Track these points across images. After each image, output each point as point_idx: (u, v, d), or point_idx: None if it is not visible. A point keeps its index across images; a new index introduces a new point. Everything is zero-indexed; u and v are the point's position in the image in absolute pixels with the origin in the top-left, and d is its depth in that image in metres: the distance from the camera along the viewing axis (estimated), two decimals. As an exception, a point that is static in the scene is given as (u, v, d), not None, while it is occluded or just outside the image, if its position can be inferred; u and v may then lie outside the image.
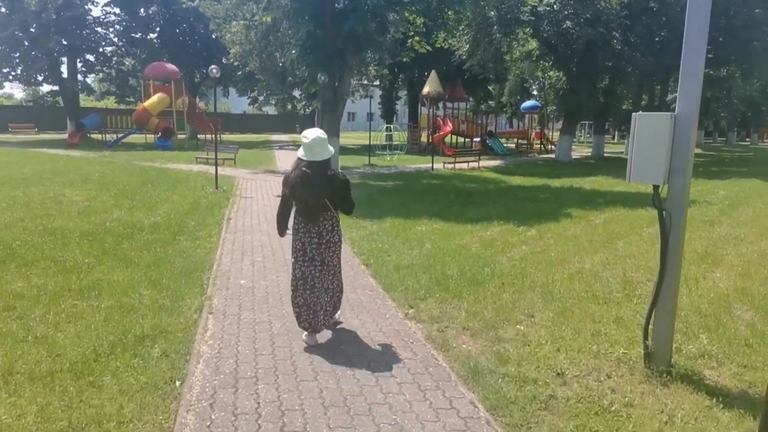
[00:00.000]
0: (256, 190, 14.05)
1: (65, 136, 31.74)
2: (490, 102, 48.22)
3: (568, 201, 12.70)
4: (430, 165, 22.73)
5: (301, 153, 4.17)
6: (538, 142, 36.28)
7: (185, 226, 8.93)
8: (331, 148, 4.26)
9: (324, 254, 4.30)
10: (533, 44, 29.46)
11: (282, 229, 4.58)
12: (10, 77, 35.13)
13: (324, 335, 4.55)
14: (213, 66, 12.72)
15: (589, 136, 52.57)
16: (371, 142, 23.35)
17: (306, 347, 4.31)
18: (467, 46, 25.24)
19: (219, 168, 13.60)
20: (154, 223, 9.12)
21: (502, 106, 54.82)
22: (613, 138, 54.34)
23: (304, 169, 4.12)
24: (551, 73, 30.52)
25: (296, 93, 39.82)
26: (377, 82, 38.19)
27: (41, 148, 27.40)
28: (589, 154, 30.75)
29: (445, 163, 21.11)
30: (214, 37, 39.95)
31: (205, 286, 5.72)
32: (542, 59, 26.70)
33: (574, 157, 26.80)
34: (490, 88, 43.44)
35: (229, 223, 9.36)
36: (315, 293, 4.30)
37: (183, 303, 5.18)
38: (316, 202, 4.12)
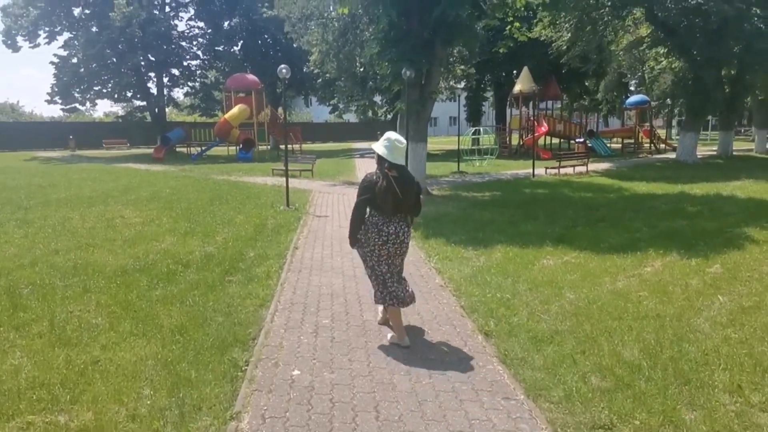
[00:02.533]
0: (332, 206, 12.15)
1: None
2: (585, 99, 44.11)
3: (732, 216, 9.72)
4: (531, 171, 20.07)
5: (382, 151, 4.09)
6: (647, 140, 32.20)
7: (241, 259, 7.09)
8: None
9: (394, 253, 4.26)
10: (644, 30, 25.94)
11: (355, 237, 4.39)
12: (103, 93, 35.96)
13: None
14: (282, 66, 11.00)
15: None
16: (460, 147, 20.94)
17: None
18: (569, 34, 22.21)
19: (295, 180, 11.84)
20: (206, 254, 7.36)
21: (597, 104, 50.38)
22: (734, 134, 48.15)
23: (387, 171, 4.07)
24: (663, 63, 26.70)
25: (377, 98, 38.29)
26: (462, 83, 35.74)
27: (128, 163, 27.43)
28: (714, 152, 26.55)
29: (547, 168, 18.35)
30: (294, 45, 39.55)
31: (239, 382, 3.67)
32: (657, 45, 23.08)
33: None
34: (586, 83, 39.61)
35: (295, 255, 7.41)
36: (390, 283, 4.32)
37: (197, 425, 3.15)
38: (400, 203, 4.10)
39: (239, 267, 6.73)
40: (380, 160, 4.14)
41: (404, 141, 4.13)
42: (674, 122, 46.48)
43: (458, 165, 20.01)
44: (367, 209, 4.25)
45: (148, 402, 3.36)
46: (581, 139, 25.71)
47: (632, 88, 59.46)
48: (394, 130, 30.18)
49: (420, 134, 12.95)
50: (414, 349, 4.20)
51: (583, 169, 19.11)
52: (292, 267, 6.74)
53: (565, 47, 25.63)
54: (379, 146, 4.12)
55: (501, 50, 17.34)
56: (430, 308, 5.17)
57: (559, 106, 35.02)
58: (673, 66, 23.76)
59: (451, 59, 19.50)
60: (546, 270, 6.33)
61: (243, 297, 5.52)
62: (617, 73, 45.44)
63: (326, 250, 7.64)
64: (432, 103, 13.15)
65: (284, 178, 12.11)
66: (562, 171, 18.48)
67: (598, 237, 8.00)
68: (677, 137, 30.92)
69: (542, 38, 25.69)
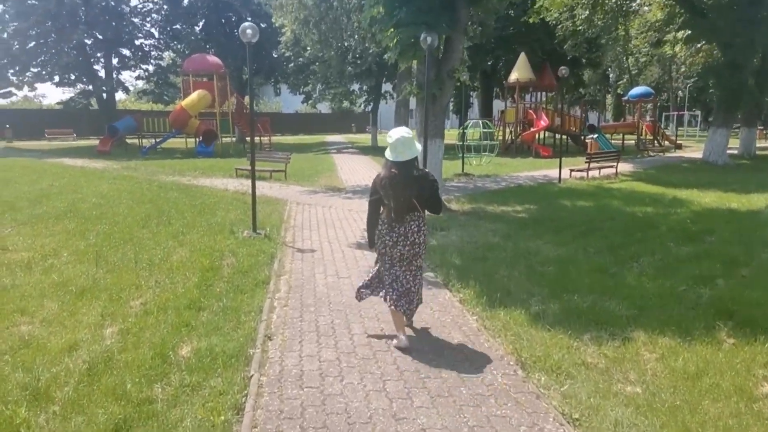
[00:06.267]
0: (318, 228, 8.67)
1: (101, 142, 27.65)
2: (581, 91, 41.38)
3: None
4: (543, 172, 16.97)
5: (387, 153, 4.02)
6: (651, 136, 29.52)
7: (163, 374, 3.62)
8: (418, 146, 4.10)
9: (408, 254, 4.09)
10: (656, 12, 23.06)
11: (373, 238, 4.24)
12: (42, 76, 31.25)
13: None
14: (247, 25, 7.42)
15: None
16: (464, 142, 17.58)
17: None
18: (586, 12, 19.06)
19: (264, 184, 8.44)
20: (93, 361, 3.85)
21: (581, 96, 47.73)
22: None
23: (392, 170, 3.95)
24: (677, 49, 23.87)
25: (355, 87, 34.73)
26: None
27: (66, 157, 23.26)
28: (735, 152, 23.90)
29: (572, 170, 15.19)
30: (263, 26, 35.48)
31: None
32: (683, 28, 20.10)
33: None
34: (581, 74, 36.79)
35: (268, 358, 3.92)
36: (406, 288, 4.16)
37: None
38: (404, 202, 3.97)
39: (150, 408, 3.24)
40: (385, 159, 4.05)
41: (397, 134, 3.94)
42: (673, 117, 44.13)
43: (462, 166, 16.70)
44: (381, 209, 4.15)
45: None
46: (594, 136, 22.67)
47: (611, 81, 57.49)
48: (368, 122, 26.62)
49: (437, 127, 9.56)
50: None
51: (610, 171, 16.04)
52: (264, 404, 3.26)
53: (570, 31, 22.65)
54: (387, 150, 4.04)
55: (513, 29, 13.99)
56: None
57: (549, 97, 32.03)
58: (699, 53, 20.88)
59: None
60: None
61: None
62: (612, 62, 43.06)
63: (326, 345, 4.15)
64: (452, 86, 9.74)
65: (250, 181, 8.54)
66: (590, 174, 15.37)
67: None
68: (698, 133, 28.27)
69: (550, 21, 22.60)
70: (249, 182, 8.88)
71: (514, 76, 26.71)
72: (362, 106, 38.91)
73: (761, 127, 30.24)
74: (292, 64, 32.69)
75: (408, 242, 4.04)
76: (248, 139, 32.19)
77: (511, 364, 3.77)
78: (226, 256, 6.68)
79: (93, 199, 11.33)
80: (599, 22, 20.43)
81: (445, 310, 4.88)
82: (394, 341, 4.10)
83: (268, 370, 3.69)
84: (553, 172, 16.74)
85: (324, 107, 54.34)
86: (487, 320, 4.61)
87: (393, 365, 3.75)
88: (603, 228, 8.36)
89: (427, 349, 4.04)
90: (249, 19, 32.85)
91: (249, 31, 7.49)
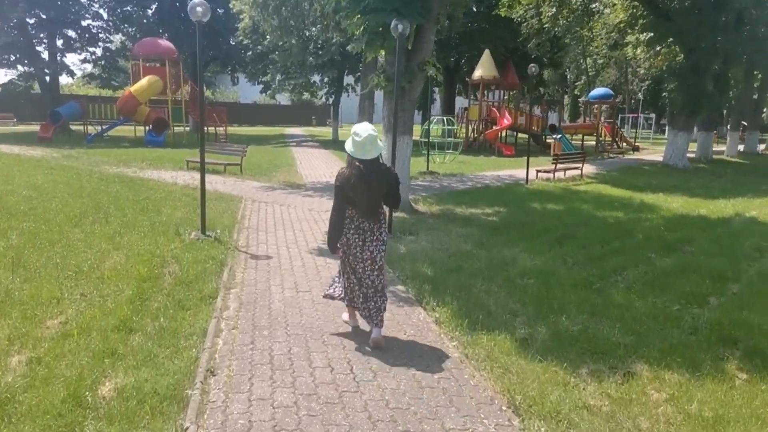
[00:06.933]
0: (275, 230, 7.92)
1: (44, 128, 25.75)
2: (541, 91, 41.58)
3: None
4: (508, 172, 16.66)
5: (350, 149, 3.88)
6: (610, 138, 29.79)
7: (74, 428, 2.86)
8: (381, 145, 3.95)
9: (374, 252, 3.97)
10: (619, 14, 23.08)
11: (335, 243, 4.03)
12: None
13: None
14: (196, 1, 6.59)
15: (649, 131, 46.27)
16: (429, 140, 17.04)
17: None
18: (553, 10, 18.79)
19: (218, 178, 7.66)
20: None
21: (540, 96, 48.03)
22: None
23: (358, 165, 3.82)
24: (638, 51, 24.00)
25: (315, 78, 33.72)
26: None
27: (1, 144, 21.48)
28: (692, 155, 24.26)
29: (538, 171, 14.85)
30: (220, 12, 33.99)
31: None
32: (646, 30, 20.12)
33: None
34: (542, 74, 36.94)
35: (208, 401, 3.20)
36: (364, 287, 4.04)
37: None
38: (375, 199, 3.91)
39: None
40: (348, 156, 3.94)
41: (364, 131, 3.80)
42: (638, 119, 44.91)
43: (427, 164, 16.15)
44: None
45: None
46: (557, 135, 22.54)
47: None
48: (334, 115, 25.73)
49: (405, 123, 8.93)
50: None
51: (575, 172, 15.81)
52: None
53: (537, 28, 22.46)
54: (348, 144, 3.92)
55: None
56: None
57: (511, 95, 31.98)
58: (658, 56, 20.92)
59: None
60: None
61: None
62: (573, 63, 43.51)
63: (281, 383, 3.44)
64: (422, 80, 9.11)
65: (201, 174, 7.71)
66: (557, 175, 15.09)
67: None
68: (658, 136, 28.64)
69: (515, 18, 22.34)
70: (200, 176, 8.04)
71: (478, 73, 26.39)
72: (323, 98, 37.90)
73: (715, 132, 30.95)
74: (250, 53, 31.40)
75: (374, 239, 3.97)
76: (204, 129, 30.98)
77: (504, 409, 3.18)
78: (168, 263, 5.87)
79: (24, 191, 10.20)
80: (564, 21, 20.23)
81: (422, 334, 4.26)
82: (343, 315, 4.37)
83: (207, 419, 2.98)
84: (518, 172, 16.44)
85: (284, 98, 52.95)
86: (469, 347, 4.02)
87: (363, 413, 3.09)
88: (577, 235, 7.94)
89: (404, 388, 3.41)
90: (205, 2, 31.43)
91: (199, 9, 6.68)
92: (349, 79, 33.56)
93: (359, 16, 8.28)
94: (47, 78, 29.93)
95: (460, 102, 38.98)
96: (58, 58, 30.14)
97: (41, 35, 29.99)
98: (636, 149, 29.81)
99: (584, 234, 8.00)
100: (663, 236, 7.92)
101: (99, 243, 6.60)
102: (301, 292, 5.17)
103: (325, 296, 4.48)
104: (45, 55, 30.08)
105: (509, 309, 4.78)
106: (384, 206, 4.08)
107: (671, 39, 19.18)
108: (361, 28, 8.42)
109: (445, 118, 20.38)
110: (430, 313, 4.71)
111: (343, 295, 4.25)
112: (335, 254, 4.17)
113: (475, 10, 28.78)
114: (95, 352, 3.76)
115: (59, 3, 29.09)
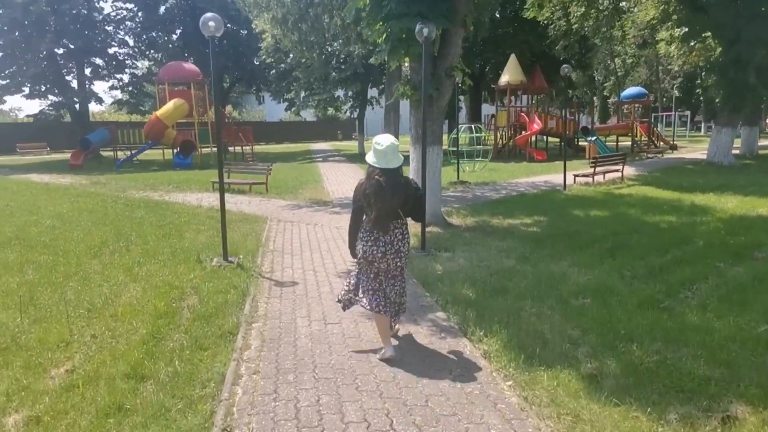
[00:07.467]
0: (301, 252, 7.45)
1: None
2: (569, 93, 40.53)
3: None
4: (542, 177, 15.96)
5: (372, 159, 3.87)
6: (646, 138, 28.67)
7: None
8: (401, 156, 3.93)
9: (393, 264, 3.97)
10: (650, 11, 22.19)
11: (353, 249, 4.12)
12: (11, 87, 29.61)
13: None
14: (209, 16, 6.22)
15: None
16: (458, 148, 16.47)
17: None
18: (582, 10, 18.08)
19: (243, 198, 7.23)
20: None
21: (569, 99, 46.93)
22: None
23: (377, 177, 3.81)
24: (672, 48, 22.99)
25: (339, 93, 33.55)
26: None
27: (34, 173, 21.75)
28: (737, 152, 23.06)
29: (576, 175, 14.11)
30: (243, 33, 34.21)
31: None
32: (680, 25, 19.21)
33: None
34: (571, 76, 35.93)
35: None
36: (384, 297, 4.02)
37: None
38: (389, 210, 3.85)
39: None
40: (369, 167, 3.92)
41: (386, 141, 3.83)
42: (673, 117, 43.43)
43: (458, 173, 15.55)
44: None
45: None
46: (592, 138, 21.69)
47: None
48: (359, 128, 25.26)
49: (434, 133, 8.39)
50: None
51: (615, 175, 15.00)
52: None
53: (564, 30, 21.73)
54: (369, 155, 3.92)
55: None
56: None
57: (539, 99, 31.20)
58: (693, 52, 19.95)
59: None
60: None
61: None
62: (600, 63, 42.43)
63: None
64: (450, 86, 8.60)
65: (227, 195, 7.27)
66: (596, 179, 14.31)
67: None
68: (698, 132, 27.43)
69: (541, 21, 21.69)
70: (227, 196, 7.60)
71: (504, 79, 25.78)
72: (348, 112, 37.75)
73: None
74: (273, 71, 31.47)
75: (393, 251, 3.93)
76: (230, 149, 30.89)
77: (583, 475, 2.59)
78: (187, 295, 5.44)
79: (48, 221, 10.02)
80: (593, 21, 19.48)
81: (469, 373, 3.68)
82: (380, 353, 3.95)
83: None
84: (553, 177, 15.73)
85: (308, 115, 53.10)
86: (528, 388, 3.43)
87: (409, 485, 2.54)
88: (630, 244, 7.25)
89: (455, 446, 2.85)
90: (228, 25, 31.64)
91: (211, 23, 6.30)
92: (372, 92, 33.28)
93: (381, 23, 7.82)
94: (77, 106, 30.49)
95: (486, 109, 38.31)
96: (87, 86, 30.68)
97: (70, 65, 30.64)
98: (674, 148, 28.59)
99: (638, 242, 7.31)
100: (726, 241, 7.16)
101: (116, 275, 6.22)
102: (330, 324, 4.65)
103: (339, 302, 4.30)
104: (74, 84, 30.69)
105: (568, 337, 4.17)
106: (403, 217, 3.98)
107: (709, 33, 18.24)
108: (384, 36, 7.95)
109: (473, 126, 19.78)
110: (477, 345, 4.14)
111: (365, 303, 4.06)
112: (355, 260, 4.14)
113: (498, 16, 28.24)
114: (100, 408, 3.30)
115: (86, 33, 29.70)
